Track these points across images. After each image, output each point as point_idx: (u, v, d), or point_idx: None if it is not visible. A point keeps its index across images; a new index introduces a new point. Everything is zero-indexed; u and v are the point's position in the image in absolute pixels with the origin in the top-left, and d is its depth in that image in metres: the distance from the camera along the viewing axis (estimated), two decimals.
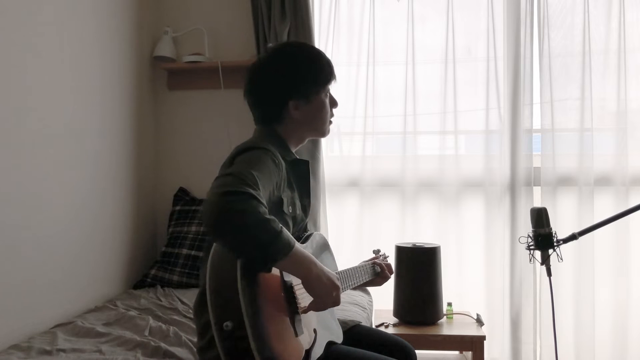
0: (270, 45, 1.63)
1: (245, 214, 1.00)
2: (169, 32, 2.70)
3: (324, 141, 2.60)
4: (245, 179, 1.07)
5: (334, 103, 1.49)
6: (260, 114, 1.44)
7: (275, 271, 1.16)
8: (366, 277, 1.62)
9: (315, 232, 1.49)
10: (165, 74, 2.80)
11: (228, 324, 1.02)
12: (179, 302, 2.15)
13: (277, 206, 1.27)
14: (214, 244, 1.13)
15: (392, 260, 2.41)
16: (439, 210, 2.66)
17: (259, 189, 1.08)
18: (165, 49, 2.67)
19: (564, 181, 2.56)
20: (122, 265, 2.44)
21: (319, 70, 1.42)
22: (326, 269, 1.18)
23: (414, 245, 2.39)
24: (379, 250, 1.78)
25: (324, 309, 1.19)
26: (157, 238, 2.78)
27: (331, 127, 1.53)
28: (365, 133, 2.68)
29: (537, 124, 2.59)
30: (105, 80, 2.30)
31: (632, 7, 2.53)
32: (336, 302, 1.20)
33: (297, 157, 1.46)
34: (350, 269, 1.52)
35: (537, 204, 2.53)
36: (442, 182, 2.65)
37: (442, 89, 2.65)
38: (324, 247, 1.53)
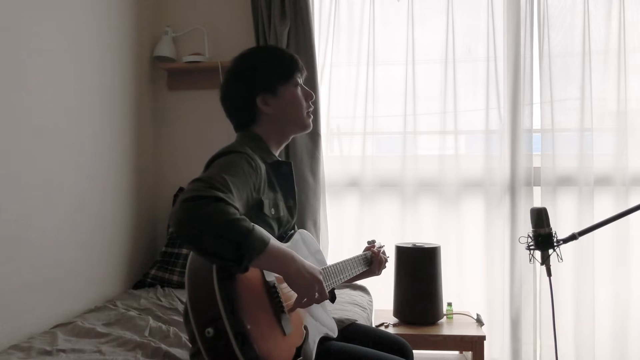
0: None
1: (211, 216, 1.00)
2: (169, 32, 2.70)
3: (324, 141, 2.60)
4: (214, 183, 1.06)
5: (307, 95, 1.45)
6: (235, 120, 1.45)
7: (257, 272, 1.16)
8: (359, 269, 1.60)
9: (299, 230, 1.46)
10: (165, 74, 2.80)
11: (210, 331, 1.02)
12: (179, 302, 2.14)
13: (257, 208, 1.25)
14: (191, 252, 1.12)
15: (392, 260, 2.41)
16: (439, 210, 2.66)
17: (229, 192, 1.07)
18: (165, 49, 2.67)
19: (564, 181, 2.56)
20: (122, 265, 2.44)
21: (279, 62, 1.42)
22: (307, 262, 1.17)
23: (414, 245, 2.39)
24: (373, 241, 1.74)
25: (309, 304, 1.18)
26: (157, 238, 2.78)
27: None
28: (365, 133, 2.68)
29: (537, 124, 2.59)
30: (105, 80, 2.30)
31: (632, 7, 2.54)
32: (322, 296, 1.19)
33: (279, 158, 1.44)
34: (338, 263, 1.50)
35: (537, 204, 2.53)
36: (442, 182, 2.65)
37: (442, 89, 2.65)
38: (309, 243, 1.50)
